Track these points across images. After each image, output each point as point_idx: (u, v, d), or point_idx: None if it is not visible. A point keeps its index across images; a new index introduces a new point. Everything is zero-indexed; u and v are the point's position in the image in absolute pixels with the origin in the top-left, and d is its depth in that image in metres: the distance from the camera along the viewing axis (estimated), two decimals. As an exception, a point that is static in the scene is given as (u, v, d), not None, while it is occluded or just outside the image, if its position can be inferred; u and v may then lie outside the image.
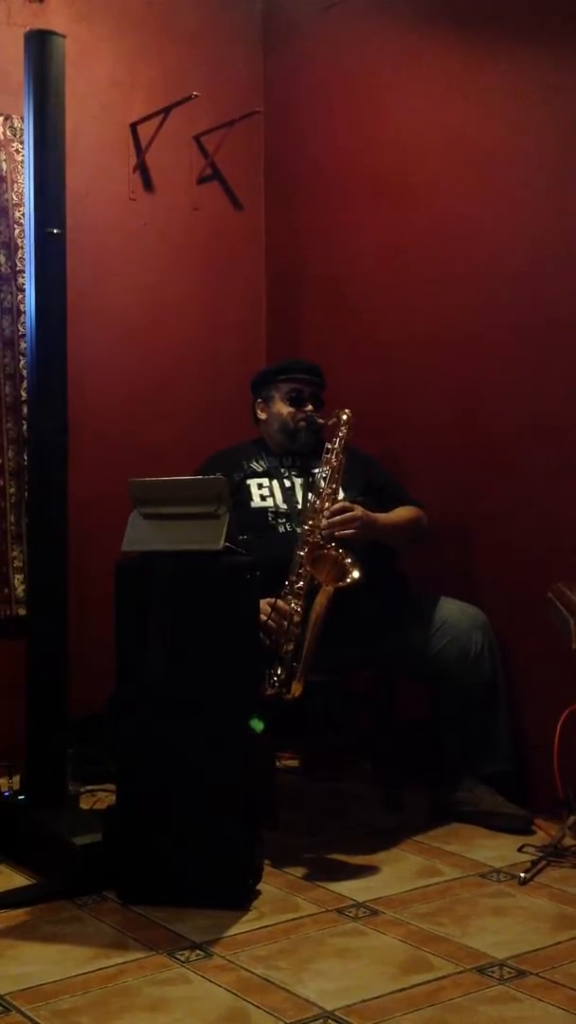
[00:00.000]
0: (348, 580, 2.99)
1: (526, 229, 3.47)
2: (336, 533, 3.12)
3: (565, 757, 3.07)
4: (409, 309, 3.83)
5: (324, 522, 3.14)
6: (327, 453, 3.28)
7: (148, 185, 4.11)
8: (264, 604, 3.04)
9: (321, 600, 3.03)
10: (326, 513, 3.16)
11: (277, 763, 3.55)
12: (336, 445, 3.28)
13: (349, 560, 3.02)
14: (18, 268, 3.75)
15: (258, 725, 2.75)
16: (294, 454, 3.53)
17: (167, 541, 2.81)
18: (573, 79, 3.33)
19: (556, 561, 3.29)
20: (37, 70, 3.07)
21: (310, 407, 3.51)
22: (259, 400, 3.59)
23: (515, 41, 3.49)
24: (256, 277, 4.37)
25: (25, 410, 3.61)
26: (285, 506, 3.41)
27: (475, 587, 3.57)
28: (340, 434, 3.29)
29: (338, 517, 3.14)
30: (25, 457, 3.61)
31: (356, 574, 2.99)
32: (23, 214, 3.66)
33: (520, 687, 3.44)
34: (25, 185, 3.23)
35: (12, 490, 3.75)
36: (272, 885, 2.89)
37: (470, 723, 3.36)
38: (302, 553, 3.14)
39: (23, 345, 3.70)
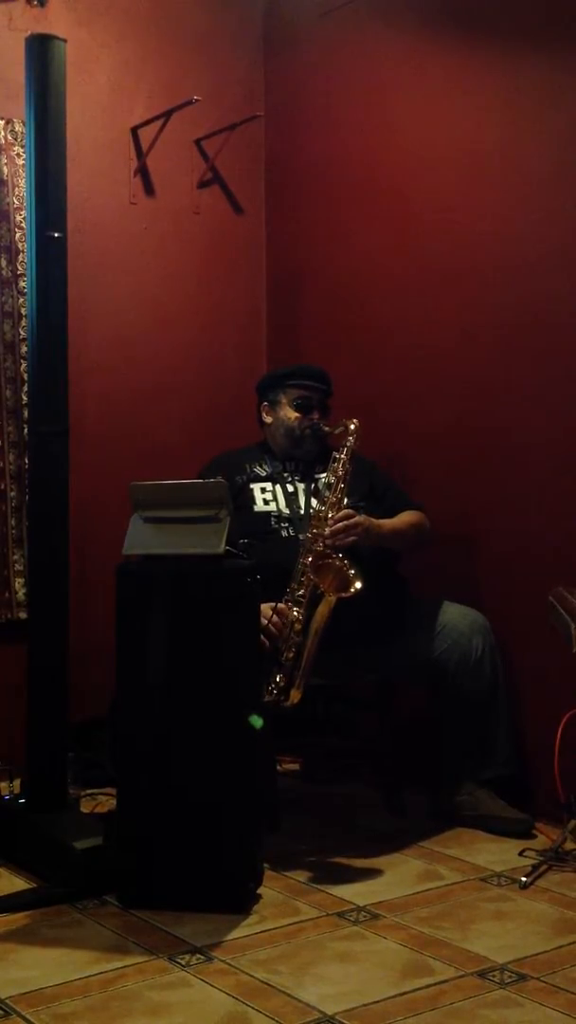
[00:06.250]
0: (351, 590, 2.99)
1: (527, 233, 3.47)
2: (337, 542, 3.12)
3: (566, 761, 3.07)
4: (410, 312, 3.84)
5: (327, 530, 3.15)
6: (334, 462, 3.28)
7: (149, 189, 4.11)
8: (266, 608, 3.04)
9: (323, 610, 3.03)
10: (330, 521, 3.17)
11: (278, 766, 3.55)
12: (343, 454, 3.27)
13: (352, 571, 3.01)
14: (19, 272, 3.75)
15: (257, 722, 2.75)
16: (297, 459, 3.53)
17: (168, 544, 2.82)
18: (573, 82, 3.33)
19: (557, 565, 3.29)
20: (38, 74, 3.07)
21: (316, 415, 3.51)
22: (265, 403, 3.59)
23: (515, 44, 3.49)
24: (256, 281, 4.37)
25: (26, 413, 3.62)
26: (288, 511, 3.42)
27: (476, 591, 3.57)
28: (347, 443, 3.29)
29: (341, 524, 3.15)
30: (26, 460, 3.62)
31: (359, 585, 2.99)
32: (24, 218, 3.67)
33: (521, 691, 3.44)
34: (26, 189, 3.23)
35: (13, 493, 3.75)
36: (273, 889, 2.89)
37: (471, 727, 3.35)
38: (306, 561, 3.14)
39: (24, 349, 3.70)
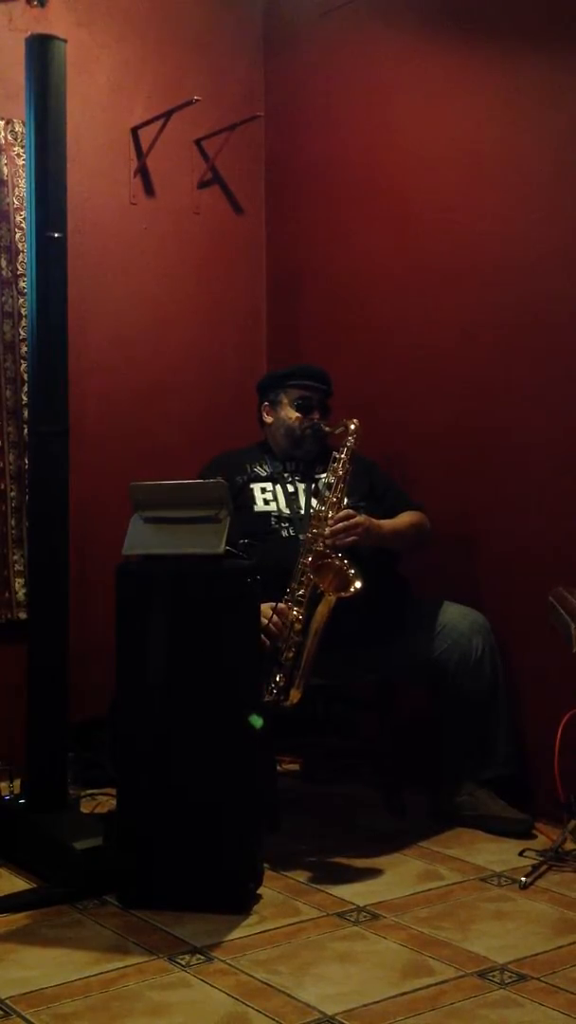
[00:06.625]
0: (351, 590, 2.99)
1: (527, 232, 3.47)
2: (337, 541, 3.13)
3: (566, 761, 3.07)
4: (409, 313, 3.84)
5: (328, 530, 3.15)
6: (334, 462, 3.28)
7: (149, 189, 4.11)
8: (266, 607, 3.04)
9: (323, 610, 3.03)
10: (330, 521, 3.17)
11: (278, 766, 3.55)
12: (343, 454, 3.27)
13: (352, 571, 3.02)
14: (19, 272, 3.75)
15: (257, 722, 2.75)
16: (298, 459, 3.53)
17: (168, 545, 2.82)
18: (573, 82, 3.33)
19: (557, 565, 3.29)
20: (38, 74, 3.07)
21: (316, 415, 3.51)
22: (265, 403, 3.59)
23: (515, 44, 3.49)
24: (256, 281, 4.37)
25: (26, 413, 3.62)
26: (288, 511, 3.42)
27: (476, 591, 3.57)
28: (348, 443, 3.29)
29: (340, 524, 3.15)
30: (26, 460, 3.62)
31: (359, 584, 2.99)
32: (24, 218, 3.67)
33: (521, 691, 3.44)
34: (26, 189, 3.23)
35: (13, 494, 3.75)
36: (273, 889, 2.89)
37: (471, 727, 3.35)
38: (306, 561, 3.14)
39: (24, 349, 3.70)
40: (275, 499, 3.45)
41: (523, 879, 2.89)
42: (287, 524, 3.39)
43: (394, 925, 2.68)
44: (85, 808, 3.42)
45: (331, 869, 3.05)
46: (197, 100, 3.89)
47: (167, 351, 4.15)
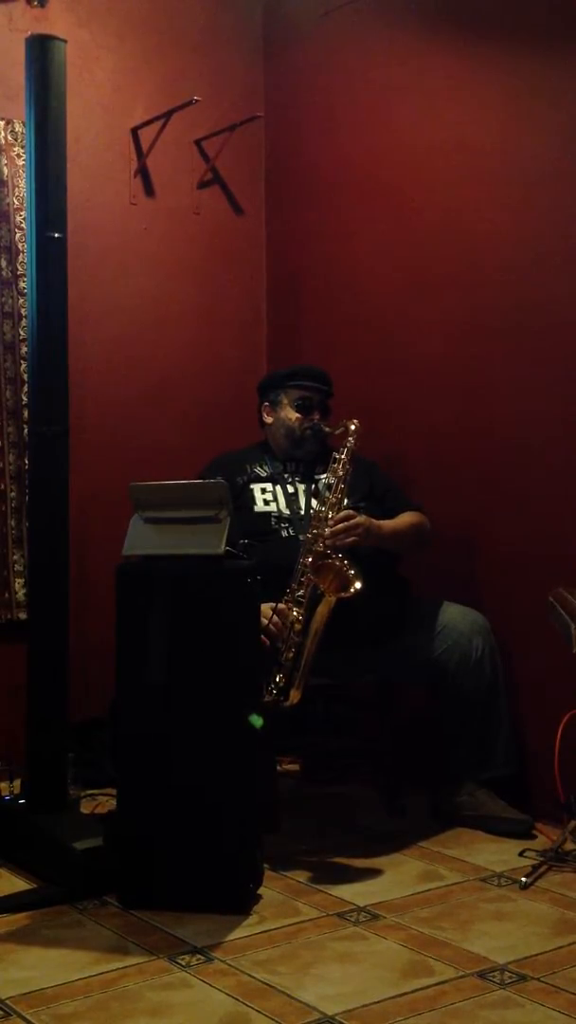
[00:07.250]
0: (351, 591, 2.99)
1: (528, 233, 3.47)
2: (337, 542, 3.13)
3: (566, 761, 3.07)
4: (410, 313, 3.84)
5: (328, 531, 3.15)
6: (334, 463, 3.28)
7: (149, 189, 4.11)
8: (266, 608, 3.04)
9: (323, 610, 3.03)
10: (330, 522, 3.17)
11: (278, 767, 3.55)
12: (343, 455, 3.28)
13: (352, 571, 3.02)
14: (19, 272, 3.75)
15: (257, 722, 2.75)
16: (298, 460, 3.54)
17: (168, 545, 2.82)
18: (573, 82, 3.33)
19: (557, 565, 3.29)
20: (38, 75, 3.07)
21: (317, 415, 3.51)
22: (266, 403, 3.60)
23: (515, 44, 3.49)
24: (256, 281, 4.37)
25: (26, 414, 3.62)
26: (288, 511, 3.42)
27: (476, 591, 3.57)
28: (348, 444, 3.29)
29: (341, 525, 3.15)
30: (26, 461, 3.62)
31: (359, 585, 2.99)
32: (24, 218, 3.67)
33: (521, 691, 3.44)
34: (26, 189, 3.23)
35: (13, 494, 3.75)
36: (273, 889, 2.89)
37: (471, 727, 3.35)
38: (306, 561, 3.14)
39: (24, 349, 3.70)
40: (275, 499, 3.45)
41: (523, 879, 2.89)
42: (287, 524, 3.40)
43: (394, 925, 2.68)
44: (85, 808, 3.42)
45: (331, 869, 3.05)
46: (197, 100, 3.89)
47: (167, 351, 4.15)
